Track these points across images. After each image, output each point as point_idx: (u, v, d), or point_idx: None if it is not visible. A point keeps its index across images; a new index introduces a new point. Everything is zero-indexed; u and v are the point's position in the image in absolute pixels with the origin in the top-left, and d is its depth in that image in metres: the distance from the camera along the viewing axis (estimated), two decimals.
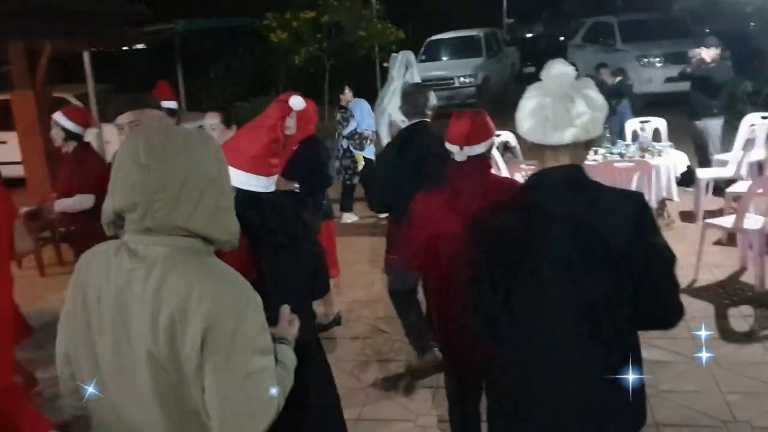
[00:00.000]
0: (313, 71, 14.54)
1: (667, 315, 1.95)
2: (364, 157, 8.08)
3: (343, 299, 5.72)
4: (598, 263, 1.82)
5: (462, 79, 15.49)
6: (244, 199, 2.28)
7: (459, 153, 2.86)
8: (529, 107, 1.91)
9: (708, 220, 5.99)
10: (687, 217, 7.28)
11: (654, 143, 7.38)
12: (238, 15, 14.70)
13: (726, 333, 4.72)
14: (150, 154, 1.54)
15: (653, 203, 6.47)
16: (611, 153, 7.03)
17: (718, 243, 6.35)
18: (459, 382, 3.20)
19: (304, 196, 4.33)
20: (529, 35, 29.76)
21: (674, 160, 6.91)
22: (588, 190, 1.89)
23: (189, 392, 1.54)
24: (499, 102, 14.40)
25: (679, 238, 6.72)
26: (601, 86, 9.09)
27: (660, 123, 8.32)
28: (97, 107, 11.47)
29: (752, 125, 7.68)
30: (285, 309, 1.93)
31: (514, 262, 1.91)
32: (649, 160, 6.65)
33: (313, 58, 14.32)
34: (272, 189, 2.60)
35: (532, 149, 1.95)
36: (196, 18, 14.05)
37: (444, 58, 16.95)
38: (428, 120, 4.06)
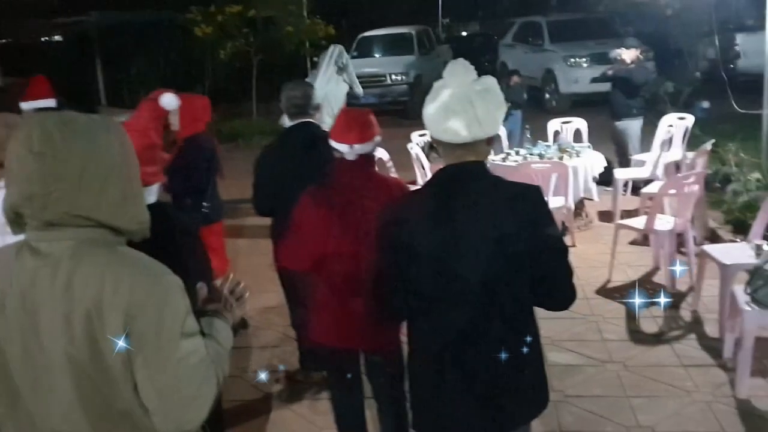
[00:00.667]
0: (240, 66, 14.21)
1: (561, 297, 2.08)
2: None
3: (254, 305, 5.52)
4: (498, 252, 1.93)
5: (394, 76, 15.39)
6: None
7: (349, 152, 2.82)
8: (433, 106, 1.98)
9: (620, 222, 6.02)
10: (606, 216, 7.33)
11: (574, 144, 7.41)
12: (159, 8, 14.24)
13: (636, 335, 4.72)
14: (45, 142, 1.45)
15: (570, 203, 6.49)
16: (531, 154, 7.02)
17: (633, 243, 6.41)
18: (341, 375, 3.18)
19: (181, 199, 4.14)
20: (464, 34, 29.93)
21: (592, 161, 6.95)
22: (489, 184, 2.00)
23: (117, 392, 1.47)
24: None
25: (596, 238, 6.77)
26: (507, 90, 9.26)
27: (581, 123, 8.38)
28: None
29: (669, 126, 7.80)
30: (202, 288, 1.83)
31: (422, 253, 1.99)
32: (566, 161, 6.66)
33: (240, 54, 13.98)
34: (151, 200, 2.40)
35: (438, 146, 2.04)
36: (112, 10, 13.54)
37: (376, 55, 16.82)
38: (312, 120, 3.89)
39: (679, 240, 5.54)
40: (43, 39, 13.14)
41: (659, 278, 5.62)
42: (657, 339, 4.64)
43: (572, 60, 14.10)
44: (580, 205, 7.12)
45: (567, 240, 6.58)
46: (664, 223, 5.51)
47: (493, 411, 2.05)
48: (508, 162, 6.96)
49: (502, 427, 2.10)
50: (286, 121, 3.92)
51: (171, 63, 14.71)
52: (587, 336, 4.74)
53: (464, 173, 1.99)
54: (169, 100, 2.56)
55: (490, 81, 2.03)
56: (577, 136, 8.32)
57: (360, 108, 3.11)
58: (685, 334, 4.67)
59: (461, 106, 1.94)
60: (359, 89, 7.97)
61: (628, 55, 8.14)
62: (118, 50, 13.86)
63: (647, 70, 8.76)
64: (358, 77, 13.00)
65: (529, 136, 7.53)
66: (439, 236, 1.97)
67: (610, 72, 8.30)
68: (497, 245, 1.93)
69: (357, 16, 20.61)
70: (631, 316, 5.00)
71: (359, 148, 2.82)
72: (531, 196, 2.00)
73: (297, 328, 4.26)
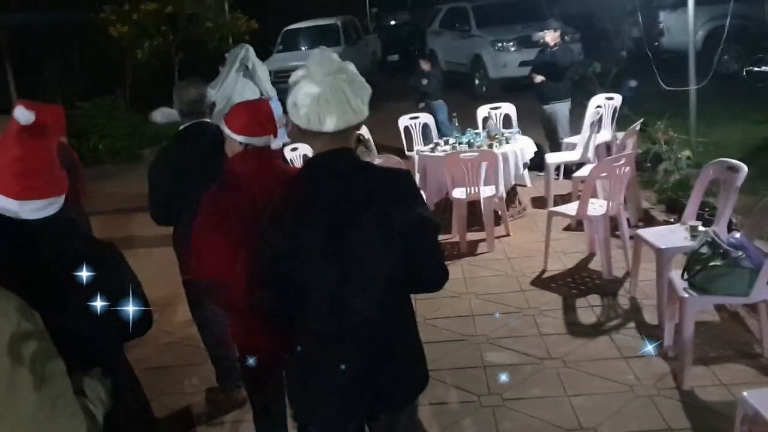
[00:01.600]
0: (160, 66, 13.61)
1: (430, 278, 2.10)
2: None
3: (175, 319, 5.15)
4: (374, 237, 1.95)
5: None
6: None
7: (245, 141, 2.80)
8: (300, 97, 1.97)
9: (553, 209, 5.85)
10: (540, 203, 7.18)
11: (503, 130, 7.22)
12: (69, 8, 13.47)
13: (574, 327, 4.53)
14: None
15: (502, 191, 6.29)
16: (460, 143, 6.79)
17: (568, 229, 6.25)
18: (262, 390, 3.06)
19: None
20: (393, 23, 29.68)
21: (522, 146, 6.77)
22: (360, 170, 2.02)
23: None
24: None
25: (530, 226, 6.60)
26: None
27: (510, 109, 8.21)
28: None
29: (598, 107, 7.68)
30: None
31: (297, 244, 1.98)
32: (496, 149, 6.45)
33: (160, 53, 13.39)
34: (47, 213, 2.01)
35: (306, 136, 2.03)
36: (16, 11, 12.74)
37: (301, 48, 16.43)
38: (207, 119, 3.57)
39: (614, 224, 5.39)
40: None
41: (595, 264, 5.46)
42: (596, 330, 4.45)
43: (500, 44, 13.99)
44: (513, 192, 6.94)
45: (501, 229, 6.40)
46: (597, 207, 5.34)
47: (368, 392, 2.05)
48: (437, 152, 6.72)
49: (379, 407, 2.12)
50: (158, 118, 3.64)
51: (87, 65, 13.98)
52: (524, 331, 4.52)
53: (337, 162, 2.01)
54: (20, 113, 2.16)
55: (353, 68, 2.06)
56: (507, 121, 8.15)
57: (259, 100, 3.02)
58: (624, 323, 4.50)
59: (335, 95, 1.95)
60: (269, 92, 7.45)
61: (550, 37, 8.00)
62: (29, 53, 13.08)
63: (572, 52, 8.64)
64: (283, 71, 12.69)
65: (457, 124, 7.30)
66: (316, 230, 1.96)
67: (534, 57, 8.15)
68: (372, 231, 1.95)
69: (282, 9, 20.10)
70: (568, 307, 4.82)
71: (256, 141, 2.78)
72: (400, 180, 2.04)
73: (211, 346, 3.92)
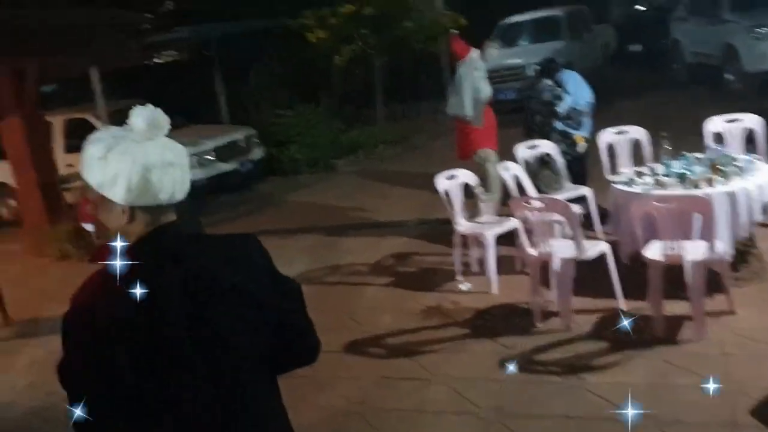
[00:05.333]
0: (360, 71, 12.96)
1: (304, 348, 1.84)
2: (584, 137, 6.93)
3: None
4: (233, 312, 1.63)
5: (536, 66, 13.33)
6: None
7: None
8: (119, 169, 1.57)
9: None
10: None
11: (738, 155, 5.21)
12: (271, 15, 13.34)
13: None
14: None
15: (724, 250, 4.39)
16: (668, 175, 4.93)
17: None
18: None
19: None
20: (640, 8, 26.53)
21: (763, 181, 4.75)
22: (206, 238, 1.76)
23: None
24: None
25: None
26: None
27: (755, 122, 6.05)
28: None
29: None
30: None
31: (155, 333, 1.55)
32: (718, 186, 4.54)
33: (360, 57, 12.72)
34: None
35: (131, 210, 1.61)
36: (223, 21, 12.84)
37: (518, 44, 14.85)
38: None
39: None
40: (158, 59, 12.88)
41: None
42: None
43: (759, 30, 11.24)
44: (747, 242, 4.96)
45: (721, 301, 4.50)
46: None
47: None
48: (635, 186, 4.96)
49: None
50: None
51: (291, 72, 13.79)
52: None
53: (176, 237, 1.66)
54: None
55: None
56: (751, 140, 6.03)
57: None
58: None
59: (166, 170, 1.60)
60: (486, 92, 7.13)
61: None
62: (236, 63, 13.18)
63: None
64: (497, 69, 11.38)
65: (667, 145, 5.39)
66: (173, 320, 1.55)
67: None
68: (234, 303, 1.63)
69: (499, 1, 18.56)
70: None
71: None
72: (251, 242, 1.79)
73: None
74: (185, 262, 1.60)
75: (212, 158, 10.53)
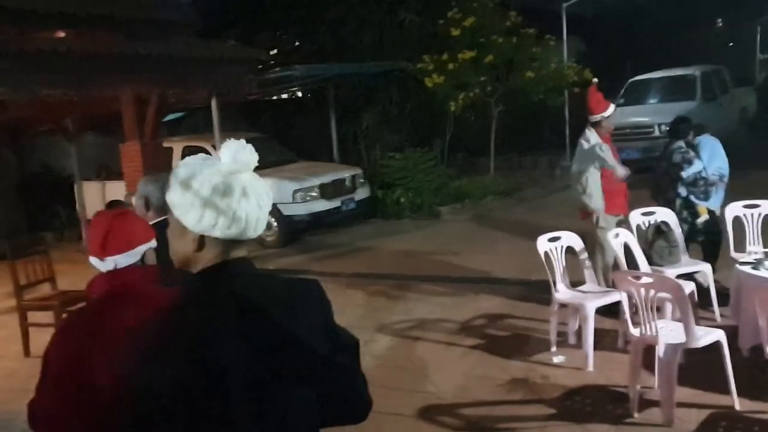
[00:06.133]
0: (477, 118, 12.68)
1: (356, 407, 1.77)
2: (708, 209, 6.36)
3: None
4: (286, 361, 1.58)
5: (663, 127, 12.60)
6: None
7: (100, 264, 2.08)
8: (196, 196, 1.58)
9: None
10: None
11: None
12: (390, 58, 13.35)
13: None
14: None
15: None
16: None
17: None
18: None
19: None
20: None
21: None
22: (270, 278, 1.70)
23: None
24: None
25: None
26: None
27: None
28: None
29: None
30: None
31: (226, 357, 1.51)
32: None
33: (477, 104, 12.47)
34: None
35: (200, 241, 1.61)
36: (343, 62, 12.96)
37: (647, 102, 14.14)
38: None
39: None
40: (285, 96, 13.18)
41: None
42: None
43: None
44: None
45: None
46: None
47: None
48: (764, 270, 4.36)
49: None
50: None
51: (406, 116, 13.72)
52: None
53: (247, 271, 1.65)
54: None
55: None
56: None
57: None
58: None
59: (257, 202, 1.62)
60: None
61: None
62: (350, 103, 13.25)
63: None
64: (623, 128, 10.82)
65: None
66: (232, 352, 1.51)
67: None
68: (288, 360, 1.58)
69: (639, 56, 17.83)
70: None
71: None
72: (316, 290, 1.72)
73: None
74: (244, 303, 1.57)
75: (316, 194, 10.52)
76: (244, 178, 1.61)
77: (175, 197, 1.61)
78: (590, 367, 5.03)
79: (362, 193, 11.39)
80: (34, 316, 6.47)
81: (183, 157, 10.96)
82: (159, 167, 9.62)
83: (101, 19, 8.54)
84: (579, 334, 5.36)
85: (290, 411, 1.60)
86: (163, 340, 1.53)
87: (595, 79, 6.89)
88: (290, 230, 10.40)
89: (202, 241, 1.61)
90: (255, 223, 1.62)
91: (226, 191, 1.58)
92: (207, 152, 10.98)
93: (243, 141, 1.65)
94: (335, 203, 10.78)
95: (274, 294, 1.63)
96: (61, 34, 8.33)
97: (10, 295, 6.83)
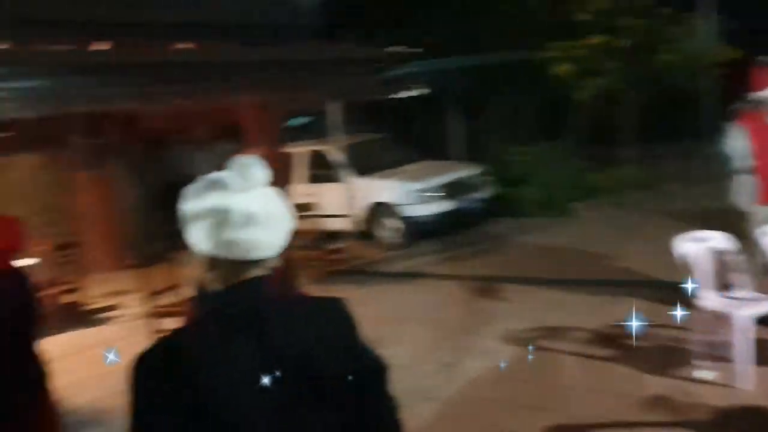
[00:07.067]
0: (608, 107, 11.85)
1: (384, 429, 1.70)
2: None
3: None
4: (311, 374, 1.55)
5: None
6: None
7: None
8: (200, 216, 1.56)
9: None
10: None
11: None
12: (509, 48, 12.72)
13: None
14: None
15: None
16: None
17: None
18: None
19: None
20: None
21: None
22: (291, 299, 1.73)
23: None
24: None
25: None
26: None
27: None
28: (350, 159, 10.73)
29: None
30: None
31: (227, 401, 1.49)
32: None
33: (608, 92, 11.66)
34: None
35: (211, 264, 1.57)
36: (463, 55, 12.50)
37: None
38: None
39: None
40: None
41: None
42: None
43: None
44: None
45: None
46: None
47: None
48: None
49: None
50: None
51: (531, 107, 13.08)
52: None
53: (263, 292, 1.58)
54: None
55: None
56: None
57: None
58: None
59: (274, 222, 1.58)
60: None
61: None
62: (471, 97, 12.80)
63: None
64: None
65: None
66: (249, 375, 1.49)
67: None
68: (316, 373, 1.55)
69: None
70: None
71: None
72: (340, 309, 1.68)
73: None
74: (258, 326, 1.53)
75: (438, 195, 10.22)
76: (251, 196, 1.56)
77: (181, 220, 1.60)
78: (744, 385, 4.41)
79: (486, 192, 10.96)
80: (164, 323, 6.63)
81: (310, 163, 11.09)
82: (280, 173, 9.72)
83: (220, 28, 8.69)
84: (730, 346, 4.72)
85: (310, 427, 1.55)
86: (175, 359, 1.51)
87: (764, 58, 5.99)
88: (412, 232, 10.17)
89: (212, 262, 1.57)
90: (264, 243, 1.56)
91: (228, 212, 1.54)
92: (326, 157, 11.01)
93: (253, 158, 1.60)
94: (458, 203, 10.43)
95: (291, 314, 1.60)
96: (187, 45, 8.53)
97: (143, 300, 7.05)
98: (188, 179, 1.67)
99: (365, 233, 10.61)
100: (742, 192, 5.37)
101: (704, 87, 12.55)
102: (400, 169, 10.89)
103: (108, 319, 8.22)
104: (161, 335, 1.59)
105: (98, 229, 10.74)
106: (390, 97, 13.16)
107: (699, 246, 4.92)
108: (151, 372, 1.51)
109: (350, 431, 1.62)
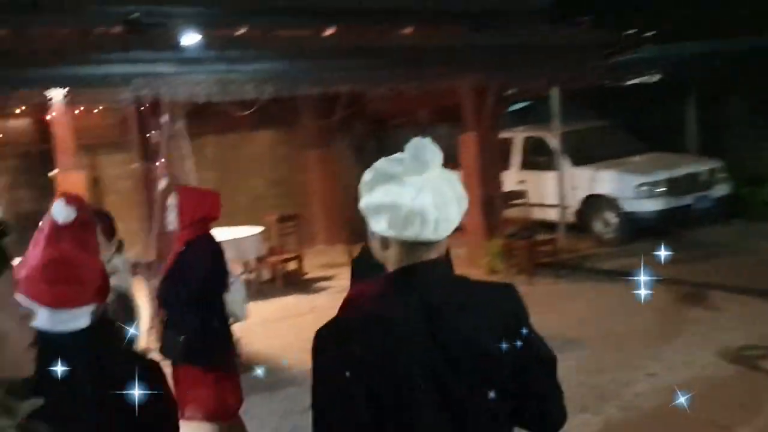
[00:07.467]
0: None
1: (552, 420, 1.71)
2: None
3: None
4: (478, 359, 1.58)
5: None
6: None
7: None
8: (378, 200, 1.60)
9: None
10: None
11: None
12: (752, 34, 11.17)
13: None
14: None
15: None
16: None
17: None
18: None
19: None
20: None
21: None
22: (462, 283, 1.69)
23: None
24: None
25: None
26: None
27: None
28: (569, 147, 10.25)
29: None
30: None
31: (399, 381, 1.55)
32: None
33: None
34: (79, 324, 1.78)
35: (388, 243, 1.61)
36: (683, 40, 11.21)
37: None
38: None
39: None
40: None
41: None
42: None
43: None
44: None
45: None
46: None
47: None
48: None
49: None
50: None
51: None
52: None
53: (434, 275, 1.62)
54: (58, 209, 1.82)
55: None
56: None
57: None
58: None
59: (447, 204, 1.57)
60: None
61: None
62: (712, 86, 11.54)
63: None
64: None
65: None
66: (418, 357, 1.55)
67: None
68: (481, 352, 1.58)
69: None
70: None
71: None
72: (511, 294, 1.68)
73: None
74: (430, 307, 1.57)
75: (664, 189, 9.48)
76: (425, 177, 1.57)
77: (363, 202, 1.63)
78: None
79: (722, 190, 9.94)
80: None
81: (525, 148, 10.82)
82: (494, 158, 9.60)
83: (445, 13, 8.74)
84: None
85: (476, 411, 1.58)
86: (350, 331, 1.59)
87: None
88: (632, 228, 9.53)
89: (385, 242, 1.61)
90: (434, 224, 1.56)
91: (401, 194, 1.56)
92: (546, 144, 10.62)
93: (427, 139, 1.61)
94: (687, 200, 9.59)
95: (463, 298, 1.62)
96: (408, 30, 8.70)
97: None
98: None
99: (578, 226, 10.13)
100: None
101: None
102: (623, 159, 10.25)
103: (322, 288, 8.71)
104: (341, 313, 1.66)
105: (320, 204, 11.44)
106: (619, 83, 12.43)
107: None
108: (327, 346, 1.60)
109: (516, 418, 1.65)
